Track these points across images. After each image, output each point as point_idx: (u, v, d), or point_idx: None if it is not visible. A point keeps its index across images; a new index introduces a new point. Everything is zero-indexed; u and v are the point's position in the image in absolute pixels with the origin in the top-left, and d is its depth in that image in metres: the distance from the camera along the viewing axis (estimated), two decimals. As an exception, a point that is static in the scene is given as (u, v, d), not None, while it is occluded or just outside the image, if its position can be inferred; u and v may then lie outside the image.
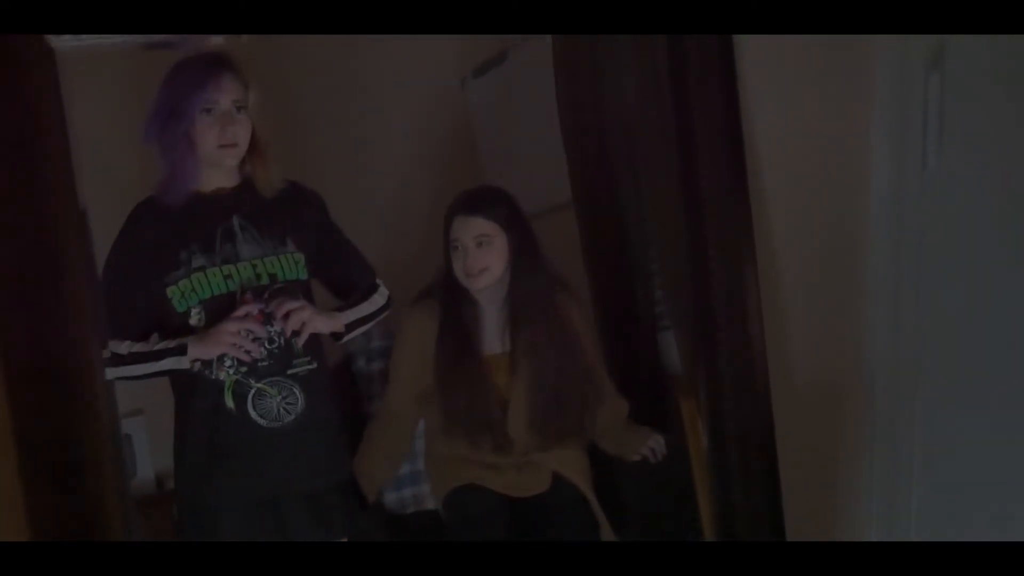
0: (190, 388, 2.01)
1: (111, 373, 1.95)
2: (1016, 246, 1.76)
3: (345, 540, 2.09)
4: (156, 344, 1.97)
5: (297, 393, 2.02)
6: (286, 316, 1.98)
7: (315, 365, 2.03)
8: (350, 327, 2.11)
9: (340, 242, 2.15)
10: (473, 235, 2.20)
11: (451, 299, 2.28)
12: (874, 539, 2.19)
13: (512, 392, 2.26)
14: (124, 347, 1.97)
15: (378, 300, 2.17)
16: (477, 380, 2.26)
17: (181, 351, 1.96)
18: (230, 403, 1.98)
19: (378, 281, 2.19)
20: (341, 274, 2.15)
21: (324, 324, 2.04)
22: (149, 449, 2.32)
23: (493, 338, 2.28)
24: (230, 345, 1.95)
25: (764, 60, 1.97)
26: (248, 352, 1.96)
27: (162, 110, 1.93)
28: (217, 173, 2.00)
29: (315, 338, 2.04)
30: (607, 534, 2.23)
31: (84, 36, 1.65)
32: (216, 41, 1.92)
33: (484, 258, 2.21)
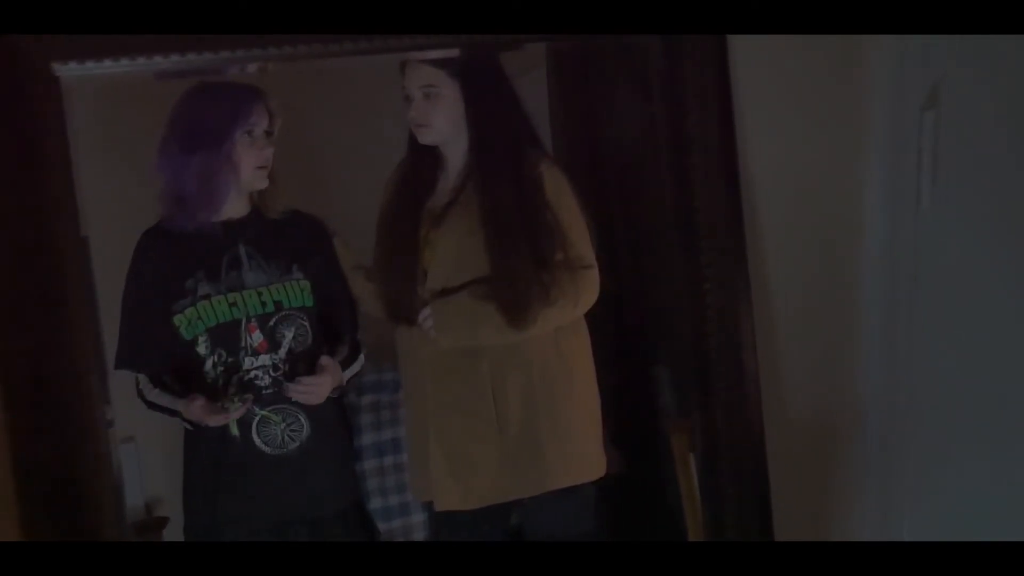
0: None
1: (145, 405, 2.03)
2: (1009, 284, 1.78)
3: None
4: (168, 401, 2.02)
5: (302, 420, 2.03)
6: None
7: None
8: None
9: (336, 278, 2.16)
10: (419, 84, 2.05)
11: (411, 148, 2.15)
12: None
13: (435, 241, 2.12)
14: (153, 395, 2.03)
15: (361, 361, 2.20)
16: (406, 228, 2.13)
17: (178, 415, 2.01)
18: (234, 430, 2.00)
19: (360, 338, 2.20)
20: (328, 313, 2.14)
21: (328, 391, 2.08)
22: (139, 476, 2.31)
23: (445, 190, 2.14)
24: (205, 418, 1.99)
25: (759, 101, 1.99)
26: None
27: (194, 134, 1.95)
28: (230, 203, 2.03)
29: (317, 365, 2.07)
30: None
31: (89, 64, 1.65)
32: (232, 72, 1.93)
33: (427, 112, 2.06)
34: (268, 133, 2.00)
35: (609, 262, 2.26)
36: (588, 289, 2.14)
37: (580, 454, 2.21)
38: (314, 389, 2.04)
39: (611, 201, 2.39)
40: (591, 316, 2.22)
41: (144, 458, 2.26)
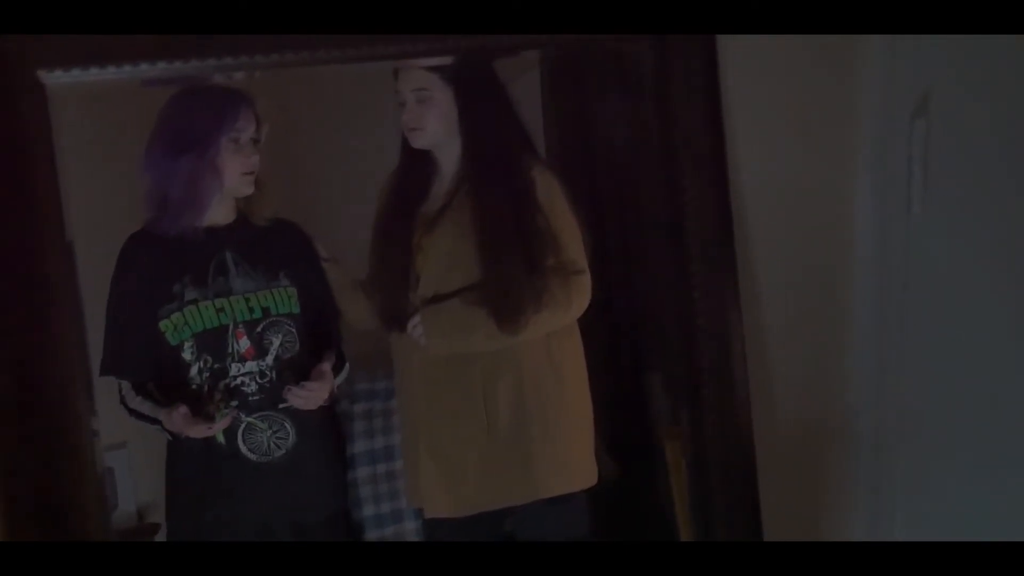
0: None
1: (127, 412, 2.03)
2: (1000, 291, 1.77)
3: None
4: (150, 410, 2.01)
5: (288, 427, 2.04)
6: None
7: None
8: None
9: (321, 286, 2.16)
10: (411, 88, 2.05)
11: (404, 154, 2.14)
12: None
13: (428, 247, 2.11)
14: (136, 402, 2.02)
15: (348, 370, 2.20)
16: (399, 233, 2.13)
17: (159, 424, 2.01)
18: (220, 437, 2.01)
19: (342, 348, 2.19)
20: (314, 321, 2.14)
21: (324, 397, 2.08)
22: (131, 482, 2.31)
23: (438, 195, 2.14)
24: (186, 429, 1.98)
25: (750, 108, 1.98)
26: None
27: (180, 139, 1.95)
28: (215, 208, 2.03)
29: (306, 374, 2.07)
30: None
31: (76, 72, 1.64)
32: (218, 78, 1.94)
33: (420, 116, 2.06)
34: (255, 140, 2.00)
35: (601, 267, 2.25)
36: (580, 294, 2.13)
37: (571, 462, 2.21)
38: (314, 395, 2.05)
39: (604, 206, 2.38)
40: (584, 322, 2.21)
41: (136, 464, 2.26)
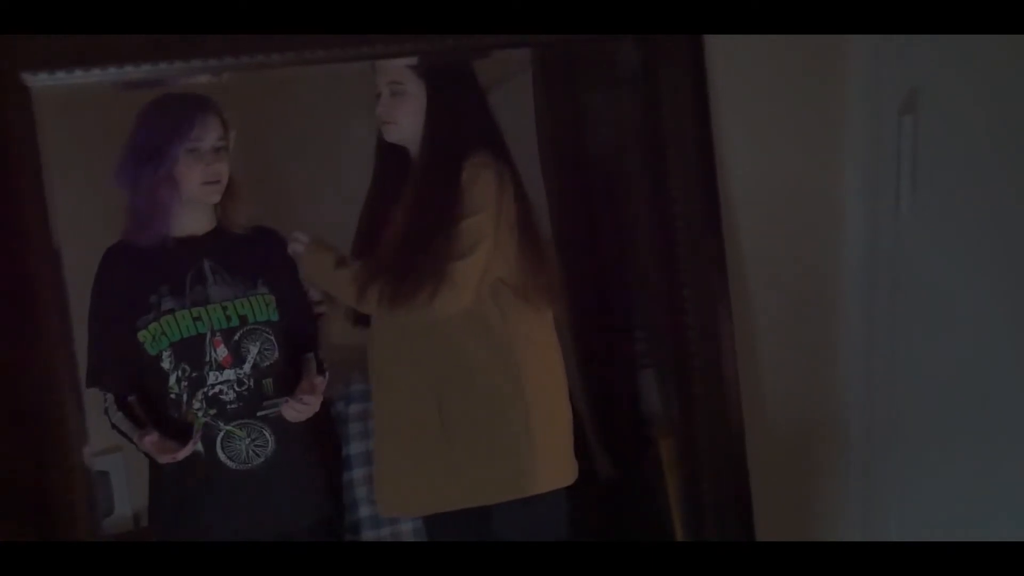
0: None
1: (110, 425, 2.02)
2: (990, 288, 1.77)
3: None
4: (128, 428, 2.01)
5: (267, 435, 2.03)
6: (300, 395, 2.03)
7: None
8: None
9: (301, 293, 2.15)
10: (387, 80, 2.05)
11: (379, 150, 2.15)
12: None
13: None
14: (117, 418, 2.02)
15: (327, 377, 2.16)
16: (364, 230, 2.14)
17: (135, 444, 2.01)
18: (199, 446, 2.00)
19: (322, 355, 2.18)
20: (293, 329, 2.12)
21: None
22: (127, 486, 2.31)
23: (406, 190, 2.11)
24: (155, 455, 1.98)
25: (738, 105, 1.98)
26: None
27: (142, 150, 1.95)
28: (190, 217, 2.02)
29: (286, 381, 2.07)
30: None
31: (60, 74, 1.64)
32: (199, 80, 1.92)
33: (394, 109, 2.06)
34: (219, 148, 1.98)
35: (593, 266, 2.28)
36: (445, 286, 2.04)
37: (526, 470, 2.16)
38: (310, 408, 2.05)
39: (598, 205, 2.38)
40: (576, 321, 2.21)
41: (131, 468, 2.26)
